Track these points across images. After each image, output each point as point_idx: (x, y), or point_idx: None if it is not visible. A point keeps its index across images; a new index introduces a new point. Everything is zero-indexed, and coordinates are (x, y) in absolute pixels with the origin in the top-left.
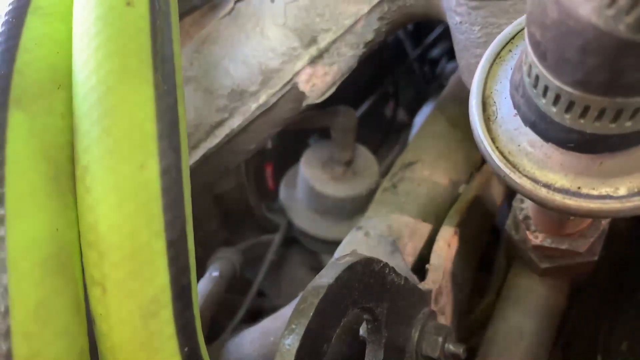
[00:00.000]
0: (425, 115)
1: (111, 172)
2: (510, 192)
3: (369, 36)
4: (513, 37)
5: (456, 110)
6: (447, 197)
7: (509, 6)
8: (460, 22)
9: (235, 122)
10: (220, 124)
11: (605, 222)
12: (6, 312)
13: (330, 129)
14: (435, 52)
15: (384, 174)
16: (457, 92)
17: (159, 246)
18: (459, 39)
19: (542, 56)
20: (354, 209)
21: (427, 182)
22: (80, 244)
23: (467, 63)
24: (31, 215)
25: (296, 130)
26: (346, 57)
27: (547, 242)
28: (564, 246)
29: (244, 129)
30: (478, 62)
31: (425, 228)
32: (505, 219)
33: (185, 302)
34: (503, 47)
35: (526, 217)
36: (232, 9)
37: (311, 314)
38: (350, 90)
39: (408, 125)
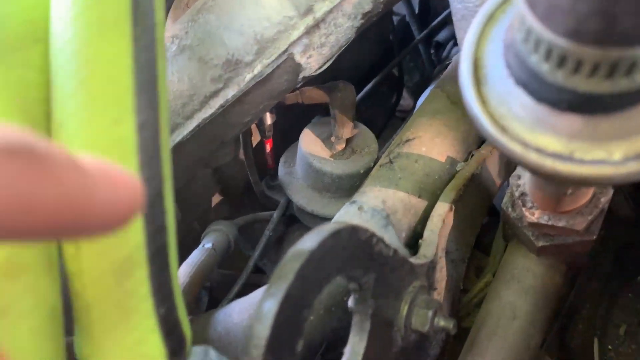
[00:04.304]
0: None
1: (85, 128)
2: (509, 171)
3: (367, 7)
4: None
5: (457, 88)
6: (444, 174)
7: None
8: None
9: (230, 93)
10: (214, 94)
11: (604, 201)
12: None
13: (329, 104)
14: (442, 35)
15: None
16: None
17: None
18: (457, 8)
19: (532, 4)
20: (351, 186)
21: (424, 158)
22: None
23: (465, 33)
24: None
25: (297, 108)
26: (343, 28)
27: (544, 220)
28: (561, 224)
29: (238, 100)
30: None
31: (420, 204)
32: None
33: (161, 263)
34: (497, 8)
35: (523, 194)
36: None
37: (291, 278)
38: (355, 72)
39: (412, 108)
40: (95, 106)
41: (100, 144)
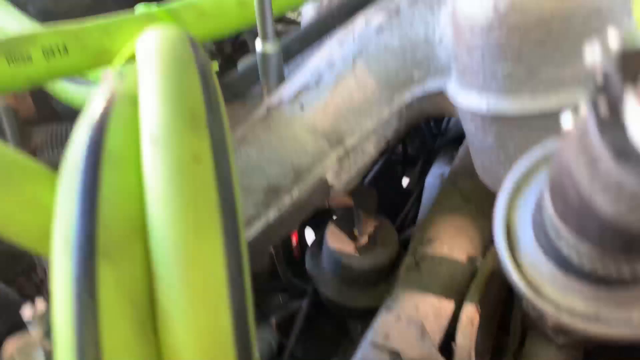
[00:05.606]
0: (435, 177)
1: (188, 316)
2: None
3: (389, 134)
4: (531, 169)
5: (468, 185)
6: (467, 272)
7: (522, 122)
8: (475, 129)
9: (271, 216)
10: (256, 217)
11: None
12: None
13: (354, 207)
14: None
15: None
16: (467, 165)
17: None
18: (473, 142)
19: (565, 221)
20: (378, 277)
21: (447, 260)
22: None
23: (482, 164)
24: None
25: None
26: (369, 153)
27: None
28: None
29: (278, 219)
30: (493, 164)
31: (449, 306)
32: None
33: None
34: (522, 182)
35: None
36: (266, 115)
37: None
38: None
39: (417, 183)
40: (195, 297)
41: (201, 332)
